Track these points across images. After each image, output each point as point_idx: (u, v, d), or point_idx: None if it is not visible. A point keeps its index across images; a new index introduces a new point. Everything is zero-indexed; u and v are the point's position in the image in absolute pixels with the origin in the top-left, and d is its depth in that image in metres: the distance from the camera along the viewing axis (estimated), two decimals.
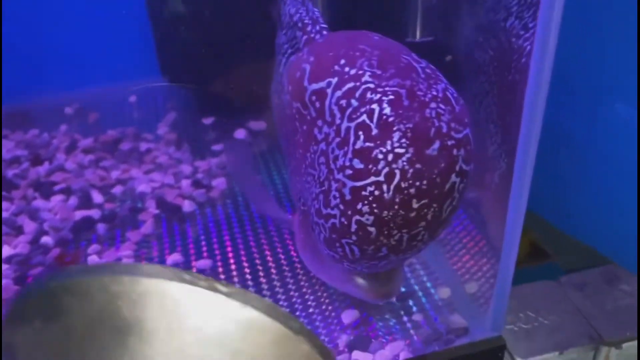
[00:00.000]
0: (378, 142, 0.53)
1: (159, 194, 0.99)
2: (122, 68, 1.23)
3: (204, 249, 0.88)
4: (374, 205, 0.54)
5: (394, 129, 0.53)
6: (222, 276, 0.84)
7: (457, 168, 0.54)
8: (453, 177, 0.54)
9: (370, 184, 0.54)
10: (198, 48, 1.15)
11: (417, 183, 0.53)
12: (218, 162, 1.07)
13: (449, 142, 0.54)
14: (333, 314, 0.75)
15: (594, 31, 0.88)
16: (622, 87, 0.87)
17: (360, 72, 0.56)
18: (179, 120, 1.17)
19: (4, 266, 0.86)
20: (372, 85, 0.55)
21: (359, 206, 0.55)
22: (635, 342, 0.78)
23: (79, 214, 0.95)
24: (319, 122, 0.60)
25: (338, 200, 0.57)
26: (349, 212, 0.56)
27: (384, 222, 0.55)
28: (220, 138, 1.10)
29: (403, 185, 0.53)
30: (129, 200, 0.99)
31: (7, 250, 0.88)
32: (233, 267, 0.85)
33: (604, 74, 0.89)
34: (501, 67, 0.74)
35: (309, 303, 0.77)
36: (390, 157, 0.53)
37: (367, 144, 0.53)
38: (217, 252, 0.88)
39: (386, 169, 0.53)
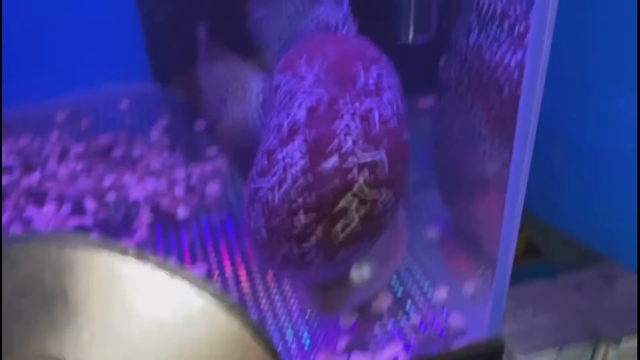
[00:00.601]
0: (282, 145, 0.52)
1: (153, 201, 0.98)
2: (113, 73, 1.23)
3: (200, 255, 0.88)
4: (265, 207, 0.53)
5: (298, 134, 0.52)
6: (219, 282, 0.83)
7: (355, 188, 0.52)
8: (348, 197, 0.52)
9: (265, 185, 0.53)
10: (190, 52, 1.15)
11: (306, 194, 0.51)
12: (212, 167, 1.07)
13: (350, 161, 0.51)
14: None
15: (589, 23, 0.88)
16: (619, 82, 0.87)
17: (305, 75, 0.56)
18: (171, 126, 1.16)
19: None
20: (303, 89, 0.55)
21: (255, 206, 0.54)
22: (634, 338, 0.79)
23: (73, 222, 0.94)
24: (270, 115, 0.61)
25: (248, 197, 0.56)
26: (250, 211, 0.55)
27: (273, 229, 0.53)
28: (213, 143, 1.10)
29: (292, 193, 0.52)
30: (122, 207, 0.98)
31: None
32: (229, 273, 0.85)
33: (599, 68, 0.89)
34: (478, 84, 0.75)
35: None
36: (286, 161, 0.52)
37: (274, 144, 0.53)
38: (212, 258, 0.87)
39: (280, 173, 0.52)
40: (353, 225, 0.53)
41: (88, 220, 0.94)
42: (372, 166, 0.52)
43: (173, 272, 0.39)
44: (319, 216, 0.52)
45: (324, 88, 0.55)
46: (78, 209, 0.97)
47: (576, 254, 0.97)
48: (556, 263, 0.99)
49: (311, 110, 0.53)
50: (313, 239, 0.53)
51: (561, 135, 0.97)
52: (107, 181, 1.04)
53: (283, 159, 0.52)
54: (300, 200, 0.51)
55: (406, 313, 0.75)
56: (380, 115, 0.54)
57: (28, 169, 1.07)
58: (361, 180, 0.51)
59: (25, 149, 1.16)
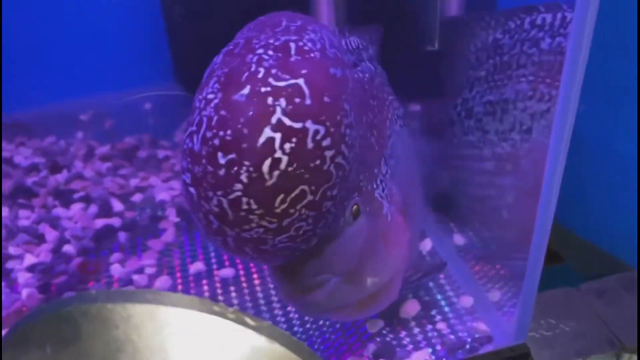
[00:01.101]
0: (201, 89, 0.50)
1: (178, 202, 0.99)
2: (136, 75, 1.24)
3: (226, 257, 0.89)
4: (188, 159, 0.49)
5: (213, 75, 0.49)
6: (244, 285, 0.84)
7: (274, 120, 0.47)
8: (268, 131, 0.46)
9: (189, 135, 0.49)
10: (214, 53, 1.16)
11: (221, 133, 0.47)
12: None
13: (263, 89, 0.47)
14: (358, 322, 0.75)
15: (613, 30, 0.88)
16: None
17: (238, 37, 0.54)
18: None
19: (28, 275, 0.86)
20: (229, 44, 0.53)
21: (183, 163, 0.50)
22: None
23: (100, 223, 0.95)
24: None
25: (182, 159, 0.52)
26: (181, 170, 0.51)
27: (197, 180, 0.49)
28: None
29: (208, 134, 0.48)
30: (148, 208, 1.00)
31: (30, 259, 0.89)
32: (255, 275, 0.86)
33: (625, 78, 0.90)
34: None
35: None
36: (202, 104, 0.48)
37: (197, 93, 0.50)
38: (238, 260, 0.88)
39: (197, 118, 0.49)
40: (282, 165, 0.47)
41: (115, 221, 0.95)
42: (290, 94, 0.47)
43: (273, 337, 0.40)
44: (240, 156, 0.47)
45: (244, 34, 0.53)
46: (105, 209, 0.98)
47: (599, 261, 0.98)
48: (578, 270, 0.99)
49: (226, 53, 0.50)
50: (239, 186, 0.47)
51: (586, 143, 0.97)
52: (133, 182, 1.05)
53: (200, 101, 0.49)
54: (216, 141, 0.47)
55: (433, 320, 0.75)
56: (299, 47, 0.50)
57: (55, 168, 1.09)
58: (278, 110, 0.47)
59: (51, 149, 1.18)
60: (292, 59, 0.49)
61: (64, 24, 1.27)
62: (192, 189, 0.50)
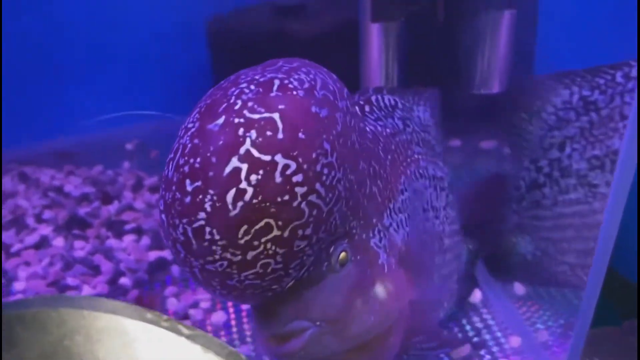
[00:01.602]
0: (187, 119, 0.51)
1: None
2: (180, 105, 1.28)
3: None
4: (163, 185, 0.50)
5: (197, 106, 0.51)
6: None
7: (242, 150, 0.47)
8: (235, 161, 0.46)
9: (167, 162, 0.50)
10: None
11: (191, 160, 0.48)
12: None
13: (236, 120, 0.47)
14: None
15: None
16: None
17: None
18: None
19: None
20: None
21: (160, 189, 0.51)
22: None
23: (153, 255, 0.99)
24: None
25: None
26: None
27: (167, 207, 0.49)
28: None
29: (180, 161, 0.48)
30: None
31: (87, 290, 0.93)
32: None
33: None
34: None
35: None
36: (182, 132, 0.50)
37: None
38: None
39: (175, 145, 0.50)
40: (247, 197, 0.47)
41: (167, 254, 0.99)
42: (261, 127, 0.47)
43: (207, 346, 0.41)
44: (205, 185, 0.47)
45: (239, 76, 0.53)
46: (157, 241, 1.02)
47: (634, 296, 0.99)
48: (619, 309, 1.00)
49: (215, 87, 0.52)
50: (202, 215, 0.47)
51: None
52: None
53: (181, 130, 0.50)
54: (186, 168, 0.48)
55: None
56: (282, 84, 0.50)
57: (106, 199, 1.13)
58: (248, 141, 0.47)
59: (100, 178, 1.22)
60: (273, 94, 0.49)
61: (106, 52, 1.32)
62: (162, 215, 0.50)
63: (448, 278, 0.79)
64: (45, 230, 1.06)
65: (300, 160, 0.48)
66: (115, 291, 0.93)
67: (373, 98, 0.72)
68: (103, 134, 1.31)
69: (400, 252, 0.64)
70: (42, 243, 1.04)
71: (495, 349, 0.79)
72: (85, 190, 1.17)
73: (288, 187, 0.48)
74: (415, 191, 0.70)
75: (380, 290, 0.60)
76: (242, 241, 0.48)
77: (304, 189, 0.48)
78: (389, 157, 0.66)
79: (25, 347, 0.40)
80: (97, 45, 1.30)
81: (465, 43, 0.94)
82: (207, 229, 0.48)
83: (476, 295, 0.88)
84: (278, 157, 0.47)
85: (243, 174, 0.47)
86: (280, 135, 0.47)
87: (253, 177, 0.47)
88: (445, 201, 0.78)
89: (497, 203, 0.85)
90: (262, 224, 0.48)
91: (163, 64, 1.30)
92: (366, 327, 0.59)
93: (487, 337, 0.81)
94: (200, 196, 0.47)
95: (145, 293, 0.93)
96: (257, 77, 0.51)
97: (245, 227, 0.47)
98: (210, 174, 0.47)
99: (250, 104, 0.48)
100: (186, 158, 0.48)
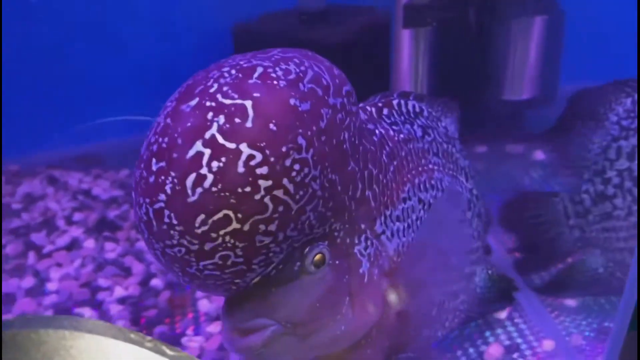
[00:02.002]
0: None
1: None
2: None
3: None
4: (137, 163, 0.49)
5: (182, 84, 0.50)
6: None
7: (207, 135, 0.45)
8: (199, 145, 0.45)
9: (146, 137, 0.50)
10: None
11: (160, 139, 0.47)
12: None
13: (208, 103, 0.46)
14: None
15: None
16: None
17: None
18: None
19: (120, 307, 0.91)
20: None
21: None
22: None
23: None
24: None
25: None
26: None
27: (135, 184, 0.48)
28: None
29: (152, 139, 0.48)
30: None
31: (119, 291, 0.94)
32: None
33: None
34: None
35: None
36: (162, 110, 0.49)
37: None
38: None
39: (154, 122, 0.49)
40: (206, 183, 0.45)
41: None
42: (231, 113, 0.46)
43: None
44: (168, 166, 0.46)
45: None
46: None
47: None
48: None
49: (202, 70, 0.51)
50: (163, 196, 0.46)
51: None
52: None
53: (161, 111, 0.49)
54: (155, 147, 0.47)
55: None
56: (264, 73, 0.48)
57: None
58: (215, 126, 0.45)
59: (128, 182, 1.23)
60: (251, 81, 0.47)
61: (135, 58, 1.34)
62: (133, 193, 0.49)
63: (452, 297, 0.74)
64: (76, 232, 1.08)
65: (267, 152, 0.46)
66: (147, 292, 0.94)
67: (395, 102, 0.69)
68: (129, 139, 1.33)
69: (392, 262, 0.61)
70: (73, 245, 1.05)
71: (527, 352, 0.79)
72: (114, 193, 1.19)
73: (250, 179, 0.46)
74: (422, 202, 0.67)
75: (355, 300, 0.57)
76: (199, 230, 0.46)
77: (269, 183, 0.46)
78: (395, 162, 0.63)
79: None
80: (124, 52, 1.33)
81: (497, 49, 0.95)
82: (166, 212, 0.46)
83: (502, 313, 0.87)
84: (243, 146, 0.45)
85: (205, 160, 0.45)
86: (249, 124, 0.46)
87: (214, 164, 0.45)
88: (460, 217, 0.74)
89: (549, 222, 0.84)
90: (220, 215, 0.46)
91: (190, 71, 1.32)
92: (334, 336, 0.56)
93: (519, 340, 0.81)
94: (163, 177, 0.46)
95: (177, 294, 0.94)
96: (242, 62, 0.50)
97: (202, 216, 0.46)
98: (174, 155, 0.46)
99: (225, 88, 0.47)
100: (157, 137, 0.47)
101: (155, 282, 0.95)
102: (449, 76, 0.95)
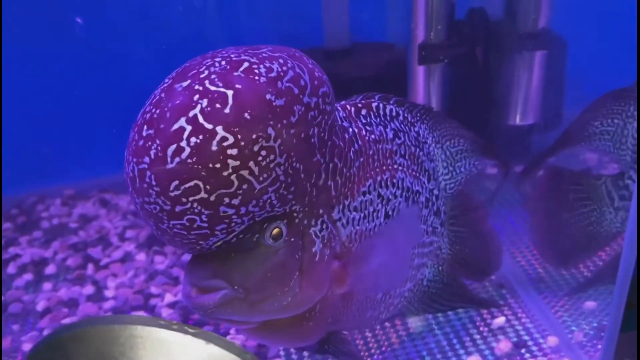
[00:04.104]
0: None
1: None
2: None
3: None
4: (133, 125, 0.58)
5: (181, 65, 0.58)
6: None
7: (191, 114, 0.53)
8: (182, 121, 0.53)
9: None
10: None
11: (153, 110, 0.55)
12: None
13: (196, 87, 0.54)
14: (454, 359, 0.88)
15: None
16: None
17: None
18: None
19: (170, 310, 1.03)
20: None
21: None
22: None
23: None
24: None
25: None
26: None
27: (128, 145, 0.57)
28: None
29: (147, 109, 0.56)
30: None
31: (169, 298, 1.06)
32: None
33: None
34: None
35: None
36: (161, 84, 0.58)
37: None
38: None
39: (152, 93, 0.58)
40: (183, 155, 0.53)
41: None
42: (214, 99, 0.53)
43: (208, 340, 0.55)
44: (155, 134, 0.53)
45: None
46: None
47: None
48: None
49: (199, 56, 0.59)
50: (147, 159, 0.54)
51: None
52: None
53: (159, 85, 0.58)
54: (147, 115, 0.55)
55: (524, 358, 0.87)
56: (249, 68, 0.56)
57: None
58: (198, 107, 0.53)
59: None
60: (236, 73, 0.55)
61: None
62: (125, 151, 0.58)
63: (398, 284, 0.81)
64: (129, 247, 1.21)
65: (239, 136, 0.53)
66: None
67: (374, 104, 0.76)
68: None
69: (343, 246, 0.69)
70: (127, 258, 1.18)
71: (534, 348, 0.89)
72: None
73: (221, 157, 0.53)
74: (381, 197, 0.73)
75: (304, 275, 0.64)
76: (172, 194, 0.54)
77: (237, 163, 0.54)
78: (361, 159, 0.70)
79: (78, 357, 0.55)
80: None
81: (503, 80, 1.07)
82: (148, 173, 0.54)
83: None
84: (219, 129, 0.53)
85: (185, 134, 0.53)
86: (227, 110, 0.53)
87: (192, 139, 0.53)
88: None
89: (590, 203, 0.88)
90: (191, 183, 0.53)
91: None
92: (280, 306, 0.63)
93: (526, 337, 0.90)
94: (149, 142, 0.54)
95: None
96: (232, 55, 0.57)
97: (176, 182, 0.53)
98: (162, 126, 0.54)
99: (213, 76, 0.55)
100: (151, 107, 0.56)
101: None
102: (460, 105, 1.06)
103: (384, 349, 0.92)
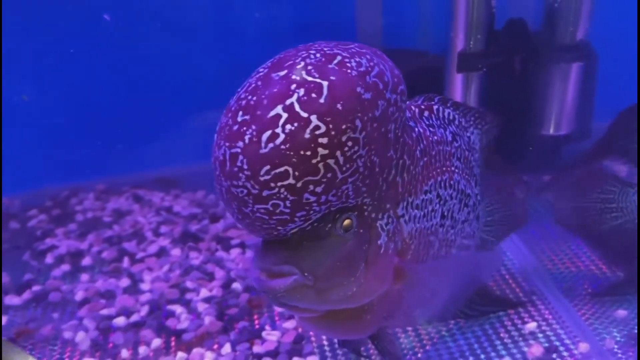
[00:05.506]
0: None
1: None
2: None
3: None
4: (224, 110, 0.59)
5: (275, 56, 0.60)
6: None
7: (288, 102, 0.55)
8: (279, 108, 0.55)
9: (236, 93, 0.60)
10: None
11: (249, 97, 0.57)
12: None
13: (294, 77, 0.56)
14: None
15: None
16: None
17: None
18: None
19: (206, 305, 1.05)
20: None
21: None
22: None
23: None
24: None
25: None
26: None
27: (220, 129, 0.58)
28: None
29: (242, 95, 0.58)
30: None
31: (205, 293, 1.08)
32: None
33: None
34: None
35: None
36: (254, 73, 0.59)
37: None
38: None
39: (246, 81, 0.59)
40: (278, 141, 0.55)
41: None
42: (310, 88, 0.55)
43: None
44: (251, 119, 0.55)
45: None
46: None
47: None
48: None
49: (292, 49, 0.61)
50: (240, 144, 0.55)
51: None
52: None
53: (255, 70, 0.60)
54: (243, 102, 0.57)
55: None
56: (342, 61, 0.58)
57: (214, 218, 1.29)
58: (295, 96, 0.55)
59: (204, 201, 1.39)
60: (330, 65, 0.57)
61: (209, 90, 1.50)
62: (215, 135, 0.59)
63: (444, 292, 0.80)
64: (163, 242, 1.24)
65: (330, 126, 0.55)
66: (229, 294, 1.08)
67: (435, 107, 0.79)
68: (204, 163, 1.49)
69: (404, 242, 0.70)
70: (162, 252, 1.21)
71: (565, 353, 0.90)
72: (194, 210, 1.35)
73: (312, 145, 0.55)
74: (440, 197, 0.76)
75: (369, 266, 0.65)
76: (262, 178, 0.55)
77: (326, 152, 0.56)
78: (425, 159, 0.72)
79: None
80: (201, 86, 1.49)
81: (539, 90, 1.09)
82: (240, 157, 0.56)
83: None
84: (313, 117, 0.55)
85: (281, 121, 0.55)
86: (322, 100, 0.56)
87: (288, 127, 0.55)
88: (465, 217, 0.83)
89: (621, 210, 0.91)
90: (282, 169, 0.55)
91: None
92: (345, 295, 0.64)
93: (557, 343, 0.92)
94: (244, 128, 0.56)
95: (254, 297, 1.07)
96: (326, 49, 0.60)
97: (268, 167, 0.55)
98: (258, 112, 0.56)
99: (309, 67, 0.57)
100: (247, 94, 0.57)
101: (236, 285, 1.09)
102: (496, 114, 1.08)
103: (416, 349, 0.94)
